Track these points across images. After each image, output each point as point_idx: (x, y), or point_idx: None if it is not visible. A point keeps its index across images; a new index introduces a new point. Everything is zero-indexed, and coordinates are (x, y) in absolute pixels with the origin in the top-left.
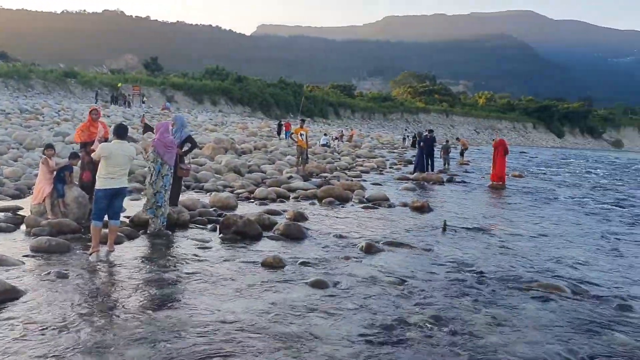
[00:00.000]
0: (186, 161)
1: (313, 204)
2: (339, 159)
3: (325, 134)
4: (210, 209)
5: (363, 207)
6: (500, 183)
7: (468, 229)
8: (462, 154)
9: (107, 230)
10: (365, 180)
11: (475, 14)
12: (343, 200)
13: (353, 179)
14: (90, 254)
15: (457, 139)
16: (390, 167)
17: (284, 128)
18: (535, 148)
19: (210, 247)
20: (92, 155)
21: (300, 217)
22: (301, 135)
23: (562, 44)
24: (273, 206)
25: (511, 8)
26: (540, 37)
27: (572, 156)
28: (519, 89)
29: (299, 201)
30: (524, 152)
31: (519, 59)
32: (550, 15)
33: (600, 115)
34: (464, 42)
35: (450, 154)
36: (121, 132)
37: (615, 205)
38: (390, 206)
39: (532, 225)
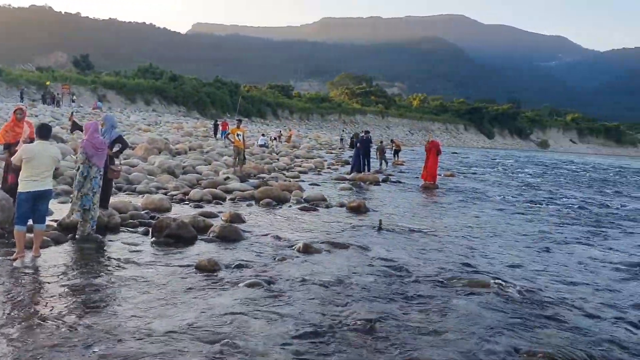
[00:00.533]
0: (117, 162)
1: (250, 205)
2: (277, 159)
3: (263, 135)
4: (143, 212)
5: (301, 208)
6: (433, 183)
7: (403, 228)
8: (396, 154)
9: (32, 235)
10: (303, 181)
11: (410, 17)
12: (281, 201)
13: (291, 179)
14: (15, 260)
15: (392, 140)
16: (328, 168)
17: (220, 128)
18: (466, 148)
19: (142, 251)
20: (12, 158)
21: (236, 218)
22: (238, 135)
23: (492, 47)
24: (209, 208)
25: (444, 12)
26: (471, 40)
27: (502, 156)
28: (451, 91)
29: (236, 203)
30: (456, 153)
31: (451, 62)
32: (481, 20)
33: (528, 117)
34: (399, 44)
35: (386, 155)
36: (44, 132)
37: (543, 204)
38: (327, 206)
39: (463, 223)
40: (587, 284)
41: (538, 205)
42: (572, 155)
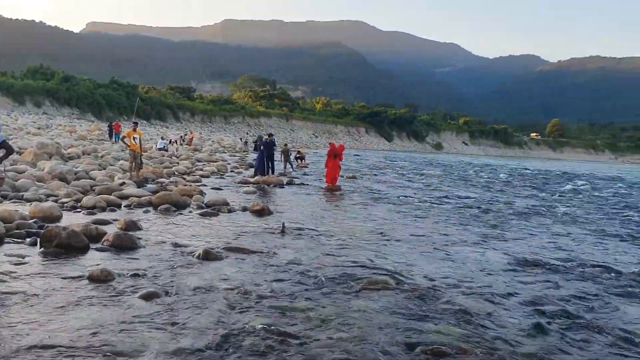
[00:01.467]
0: (1, 168)
1: (147, 211)
2: (177, 163)
3: (162, 138)
4: (31, 221)
5: (202, 213)
6: (335, 185)
7: (306, 230)
8: (298, 159)
9: None
10: (205, 185)
11: (311, 22)
12: (180, 206)
13: (192, 184)
14: None
15: (298, 152)
16: (231, 171)
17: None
18: (368, 151)
19: (29, 263)
20: None
21: (132, 226)
22: (134, 138)
23: (390, 53)
24: (102, 215)
25: (344, 18)
26: (371, 46)
27: (401, 158)
28: (352, 94)
29: (132, 209)
30: (358, 155)
31: (352, 67)
32: (379, 26)
33: (424, 121)
34: (302, 48)
35: (290, 157)
36: None
37: (439, 203)
38: (230, 211)
39: (364, 224)
40: (480, 280)
41: (437, 205)
42: (466, 157)
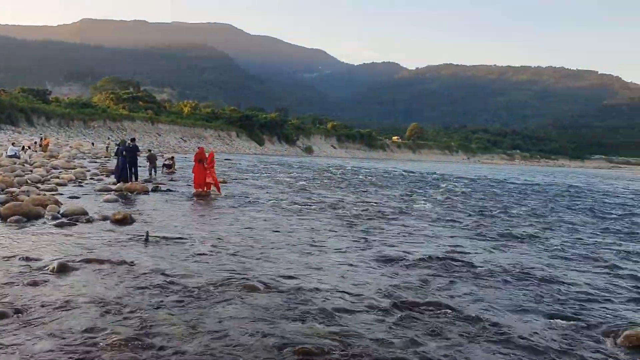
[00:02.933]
0: None
1: None
2: (31, 171)
3: (13, 144)
4: None
5: (57, 224)
6: (205, 190)
7: (172, 238)
8: (165, 166)
9: None
10: (61, 194)
11: (177, 23)
12: (33, 217)
13: (47, 193)
14: None
15: (171, 158)
16: (91, 178)
17: None
18: (239, 155)
19: None
20: None
21: None
22: None
23: (259, 57)
24: None
25: (211, 20)
26: (239, 50)
27: (272, 162)
28: (221, 98)
29: None
30: (229, 159)
31: (220, 70)
32: (247, 30)
33: (294, 125)
34: (167, 50)
35: (157, 163)
36: None
37: (309, 205)
38: (89, 220)
39: (233, 229)
40: (345, 278)
41: (307, 207)
42: (336, 159)
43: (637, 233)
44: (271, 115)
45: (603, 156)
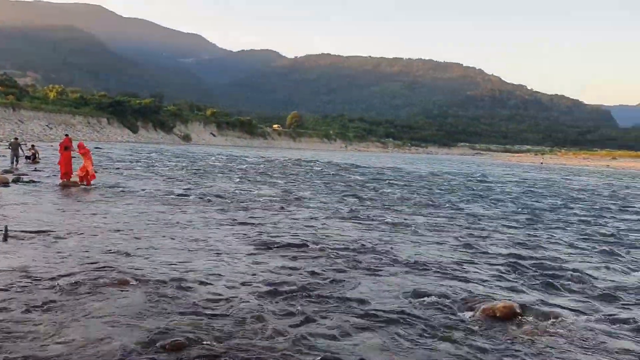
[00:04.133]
0: None
1: None
2: None
3: None
4: None
5: None
6: (71, 180)
7: (34, 233)
8: (27, 157)
9: None
10: None
11: (40, 2)
12: None
13: None
14: None
15: (32, 146)
16: None
17: None
18: (111, 143)
19: None
20: None
21: None
22: None
23: (133, 41)
24: None
25: (79, 1)
26: (110, 32)
27: (148, 151)
28: (91, 83)
29: None
30: (99, 148)
31: (89, 53)
32: (119, 12)
33: (170, 111)
34: (29, 30)
35: (20, 152)
36: None
37: (185, 195)
38: None
39: (100, 221)
40: (224, 268)
41: (182, 197)
42: (216, 148)
43: (492, 213)
44: (145, 101)
45: (467, 144)
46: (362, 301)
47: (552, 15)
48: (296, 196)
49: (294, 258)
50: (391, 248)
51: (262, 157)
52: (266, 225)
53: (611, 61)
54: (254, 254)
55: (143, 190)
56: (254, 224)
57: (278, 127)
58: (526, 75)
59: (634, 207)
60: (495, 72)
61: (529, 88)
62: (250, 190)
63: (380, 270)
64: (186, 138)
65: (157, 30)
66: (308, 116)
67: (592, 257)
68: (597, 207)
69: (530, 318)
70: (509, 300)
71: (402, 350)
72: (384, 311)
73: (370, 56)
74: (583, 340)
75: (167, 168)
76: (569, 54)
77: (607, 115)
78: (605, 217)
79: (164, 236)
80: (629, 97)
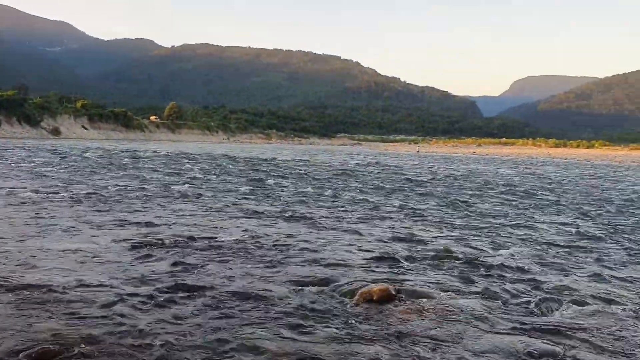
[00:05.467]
0: None
1: None
2: None
3: None
4: None
5: None
6: None
7: None
8: None
9: None
10: None
11: None
12: None
13: None
14: None
15: None
16: None
17: None
18: None
19: None
20: None
21: None
22: None
23: None
24: None
25: None
26: None
27: (11, 147)
28: None
29: None
30: None
31: None
32: None
33: (37, 104)
34: None
35: None
36: None
37: (54, 193)
38: None
39: None
40: (91, 268)
41: (50, 197)
42: (89, 142)
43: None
44: (8, 92)
45: (346, 134)
46: (240, 293)
47: (420, 13)
48: (180, 190)
49: (174, 255)
50: (274, 238)
51: (142, 150)
52: (145, 220)
53: (476, 56)
54: (129, 253)
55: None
56: (130, 221)
57: (155, 118)
58: (399, 68)
59: (502, 188)
60: (371, 65)
61: (402, 80)
62: (133, 185)
63: (261, 260)
64: (55, 132)
65: (19, 17)
66: (187, 107)
67: (465, 236)
68: (480, 193)
69: (406, 299)
70: (386, 283)
71: (283, 339)
72: (264, 302)
73: (250, 47)
74: (453, 316)
75: (33, 165)
76: (437, 49)
77: (472, 106)
78: (480, 198)
79: (24, 236)
80: (492, 89)
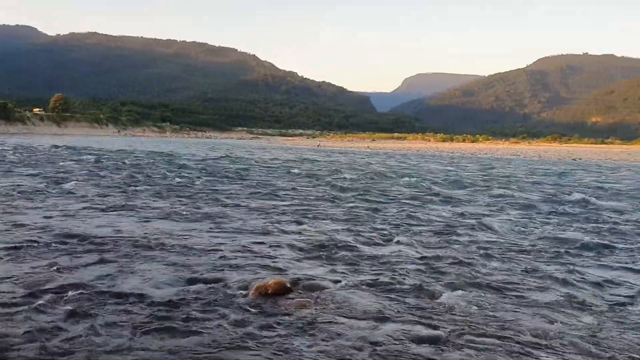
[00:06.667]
0: None
1: None
2: None
3: None
4: None
5: None
6: None
7: None
8: None
9: None
10: None
11: None
12: None
13: None
14: None
15: None
16: None
17: None
18: None
19: None
20: None
21: None
22: None
23: None
24: None
25: None
26: None
27: None
28: None
29: None
30: None
31: None
32: None
33: None
34: None
35: None
36: None
37: None
38: None
39: None
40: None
41: None
42: None
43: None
44: None
45: (245, 128)
46: (135, 294)
47: (316, 9)
48: (68, 189)
49: (62, 255)
50: (166, 236)
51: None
52: (28, 221)
53: (370, 53)
54: (10, 253)
55: None
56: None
57: (39, 111)
58: (297, 63)
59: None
60: (268, 58)
61: (299, 75)
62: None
63: (155, 259)
64: None
65: None
66: (75, 99)
67: (351, 230)
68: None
69: (300, 291)
70: (280, 276)
71: (174, 338)
72: (159, 302)
73: (142, 37)
74: (346, 306)
75: None
76: (333, 45)
77: (366, 101)
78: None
79: None
80: (385, 86)
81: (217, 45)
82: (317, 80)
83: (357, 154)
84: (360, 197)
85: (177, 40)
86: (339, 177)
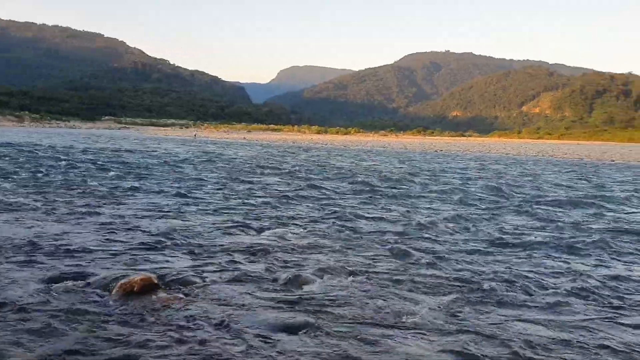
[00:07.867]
0: None
1: None
2: None
3: None
4: None
5: None
6: None
7: None
8: None
9: None
10: None
11: None
12: None
13: None
14: None
15: None
16: None
17: None
18: None
19: None
20: None
21: None
22: None
23: None
24: None
25: None
26: None
27: None
28: None
29: None
30: None
31: None
32: None
33: None
34: None
35: None
36: None
37: None
38: None
39: None
40: None
41: None
42: None
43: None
44: None
45: (113, 117)
46: None
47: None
48: None
49: None
50: (37, 234)
51: None
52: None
53: (245, 42)
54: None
55: None
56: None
57: None
58: (168, 50)
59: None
60: (138, 45)
61: (171, 63)
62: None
63: (15, 258)
64: None
65: None
66: None
67: (233, 219)
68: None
69: (169, 287)
70: (148, 272)
71: (28, 342)
72: (16, 302)
73: None
74: (216, 300)
75: None
76: (207, 33)
77: (242, 92)
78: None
79: None
80: (260, 76)
81: (81, 30)
82: (190, 69)
83: (234, 145)
84: (228, 191)
85: (35, 23)
86: (213, 168)
